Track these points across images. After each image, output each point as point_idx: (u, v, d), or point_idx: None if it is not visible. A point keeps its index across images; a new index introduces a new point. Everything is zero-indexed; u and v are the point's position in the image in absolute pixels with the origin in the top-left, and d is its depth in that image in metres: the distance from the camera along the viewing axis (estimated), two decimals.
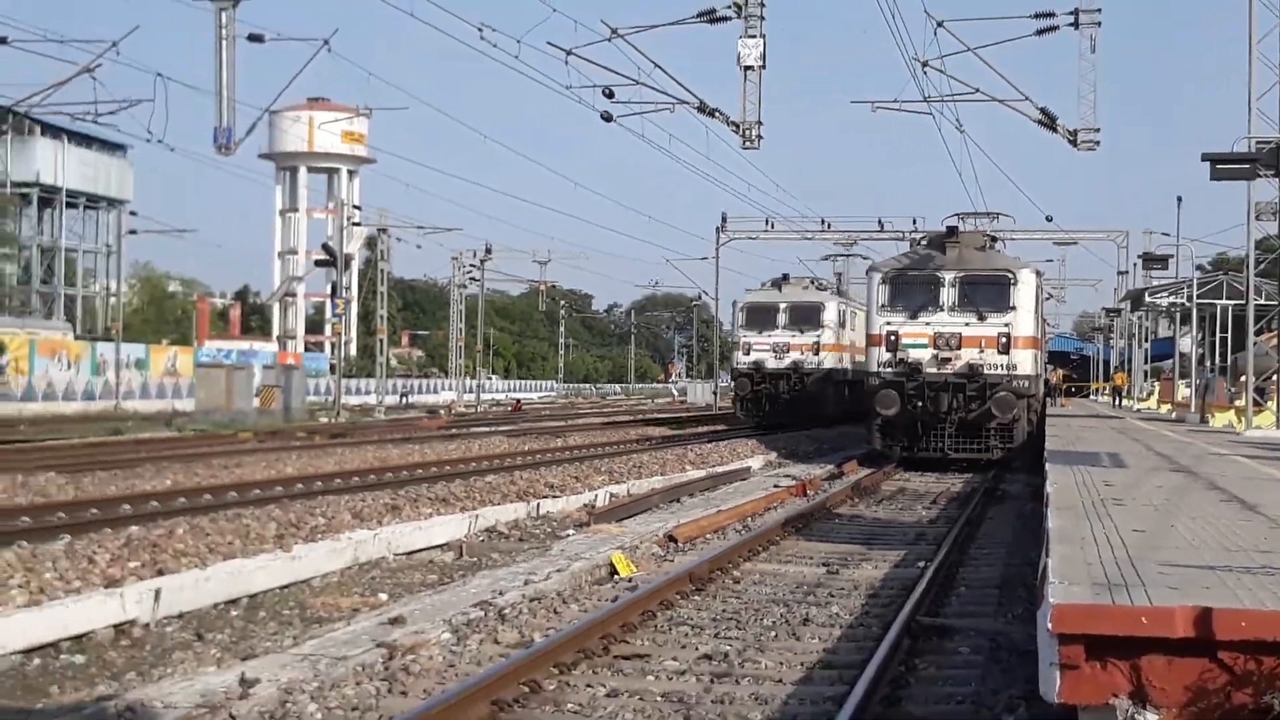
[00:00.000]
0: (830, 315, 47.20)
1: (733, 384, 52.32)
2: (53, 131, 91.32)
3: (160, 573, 13.50)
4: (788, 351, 46.37)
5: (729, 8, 31.00)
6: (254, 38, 34.55)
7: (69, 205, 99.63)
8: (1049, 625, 6.77)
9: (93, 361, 76.03)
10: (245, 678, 9.56)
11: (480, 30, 32.67)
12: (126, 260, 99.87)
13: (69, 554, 13.91)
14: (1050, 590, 7.31)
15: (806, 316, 47.00)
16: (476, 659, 10.77)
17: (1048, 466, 18.14)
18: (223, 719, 8.66)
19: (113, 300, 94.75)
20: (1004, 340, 31.84)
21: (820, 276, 56.29)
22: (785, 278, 51.13)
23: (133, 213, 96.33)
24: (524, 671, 9.82)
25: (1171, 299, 61.55)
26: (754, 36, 31.12)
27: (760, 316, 47.69)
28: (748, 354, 47.35)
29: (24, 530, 16.43)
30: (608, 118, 34.57)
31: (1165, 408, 52.24)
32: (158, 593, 12.88)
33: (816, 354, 46.38)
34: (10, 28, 35.88)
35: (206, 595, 13.54)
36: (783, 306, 47.22)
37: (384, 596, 14.18)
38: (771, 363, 46.63)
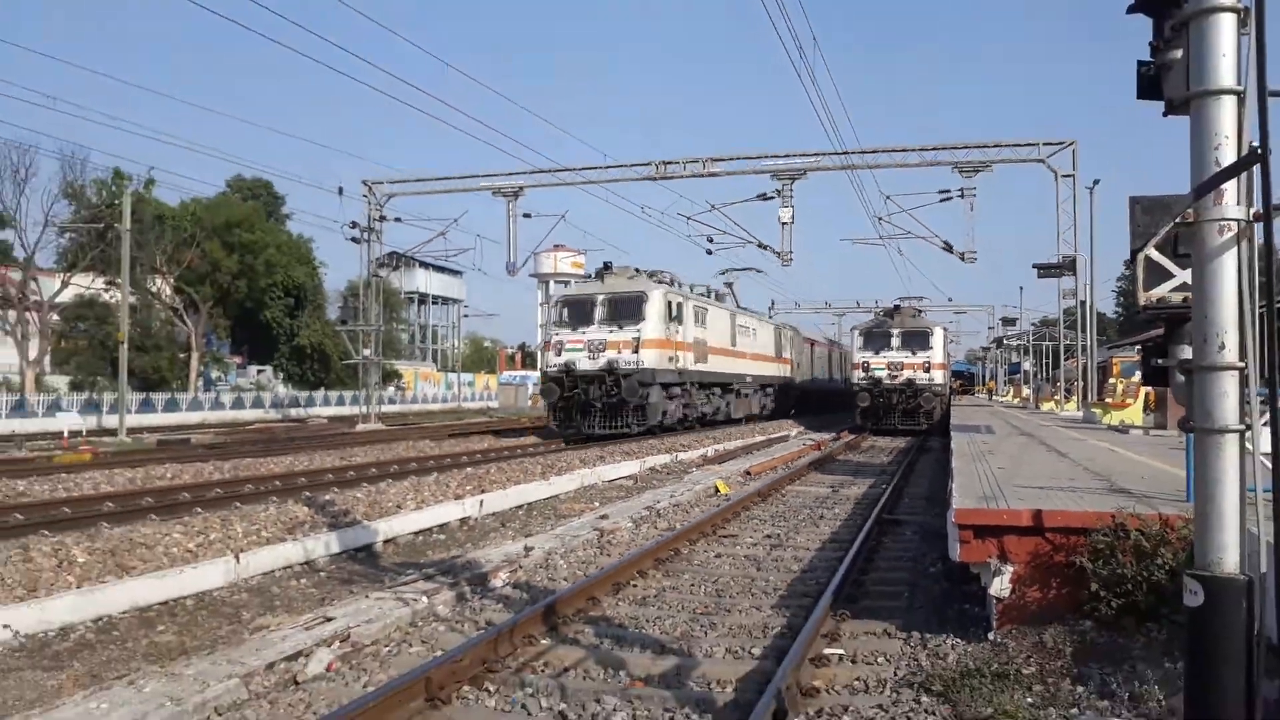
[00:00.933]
0: (655, 307, 23.77)
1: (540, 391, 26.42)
2: (423, 264, 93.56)
3: (483, 491, 13.79)
4: (603, 350, 23.46)
5: (774, 193, 30.96)
6: (526, 215, 35.12)
7: (433, 302, 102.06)
8: (953, 519, 6.67)
9: (445, 382, 77.87)
10: (527, 546, 9.75)
11: (642, 208, 35.47)
12: (462, 330, 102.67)
13: (437, 482, 14.27)
14: (954, 500, 7.19)
15: (627, 309, 23.77)
16: (646, 537, 10.84)
17: (952, 433, 17.69)
18: (516, 566, 8.85)
19: (456, 351, 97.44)
20: (927, 365, 31.21)
21: (673, 273, 27.19)
22: (608, 266, 25.79)
23: (465, 305, 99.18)
24: (670, 544, 9.86)
25: (1019, 342, 60.57)
26: (787, 207, 30.98)
27: (577, 311, 24.35)
28: (559, 354, 23.88)
29: (412, 471, 16.94)
30: (709, 251, 34.66)
31: (1016, 400, 50.49)
32: (481, 502, 13.17)
33: (635, 352, 23.36)
34: (403, 212, 37.30)
35: (506, 503, 13.79)
36: (600, 299, 24.11)
37: (597, 504, 14.30)
38: (584, 364, 23.62)
